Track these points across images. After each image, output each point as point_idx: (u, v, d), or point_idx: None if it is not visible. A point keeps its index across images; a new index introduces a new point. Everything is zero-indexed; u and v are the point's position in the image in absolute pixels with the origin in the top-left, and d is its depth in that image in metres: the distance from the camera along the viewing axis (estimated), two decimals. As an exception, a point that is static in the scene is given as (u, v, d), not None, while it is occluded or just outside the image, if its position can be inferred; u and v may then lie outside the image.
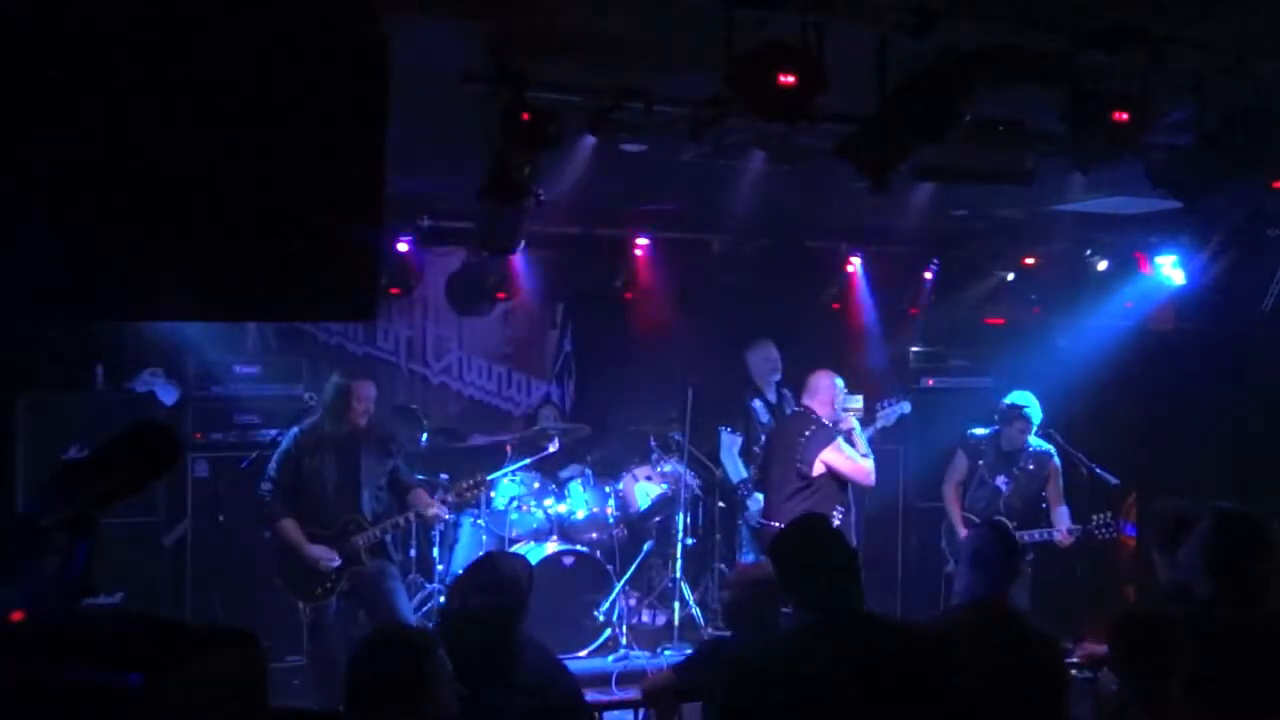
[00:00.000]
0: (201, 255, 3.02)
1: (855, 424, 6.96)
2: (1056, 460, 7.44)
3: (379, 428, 6.65)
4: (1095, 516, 7.19)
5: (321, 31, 3.13)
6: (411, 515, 6.60)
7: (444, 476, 7.36)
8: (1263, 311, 7.12)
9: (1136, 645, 3.36)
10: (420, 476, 7.37)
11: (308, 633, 6.48)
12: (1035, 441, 7.44)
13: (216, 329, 7.60)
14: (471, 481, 6.95)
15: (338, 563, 6.30)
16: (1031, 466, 7.39)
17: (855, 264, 9.35)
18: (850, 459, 6.78)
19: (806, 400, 6.99)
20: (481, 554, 5.93)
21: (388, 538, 6.54)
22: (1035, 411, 7.36)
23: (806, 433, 6.82)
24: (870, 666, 3.08)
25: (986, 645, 3.88)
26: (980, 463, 7.49)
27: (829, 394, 6.90)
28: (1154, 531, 4.51)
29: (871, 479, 6.87)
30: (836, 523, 6.53)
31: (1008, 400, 7.45)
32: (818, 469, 6.70)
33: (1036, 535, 7.20)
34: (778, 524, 6.68)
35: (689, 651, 5.17)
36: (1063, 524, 7.22)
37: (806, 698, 3.05)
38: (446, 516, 7.08)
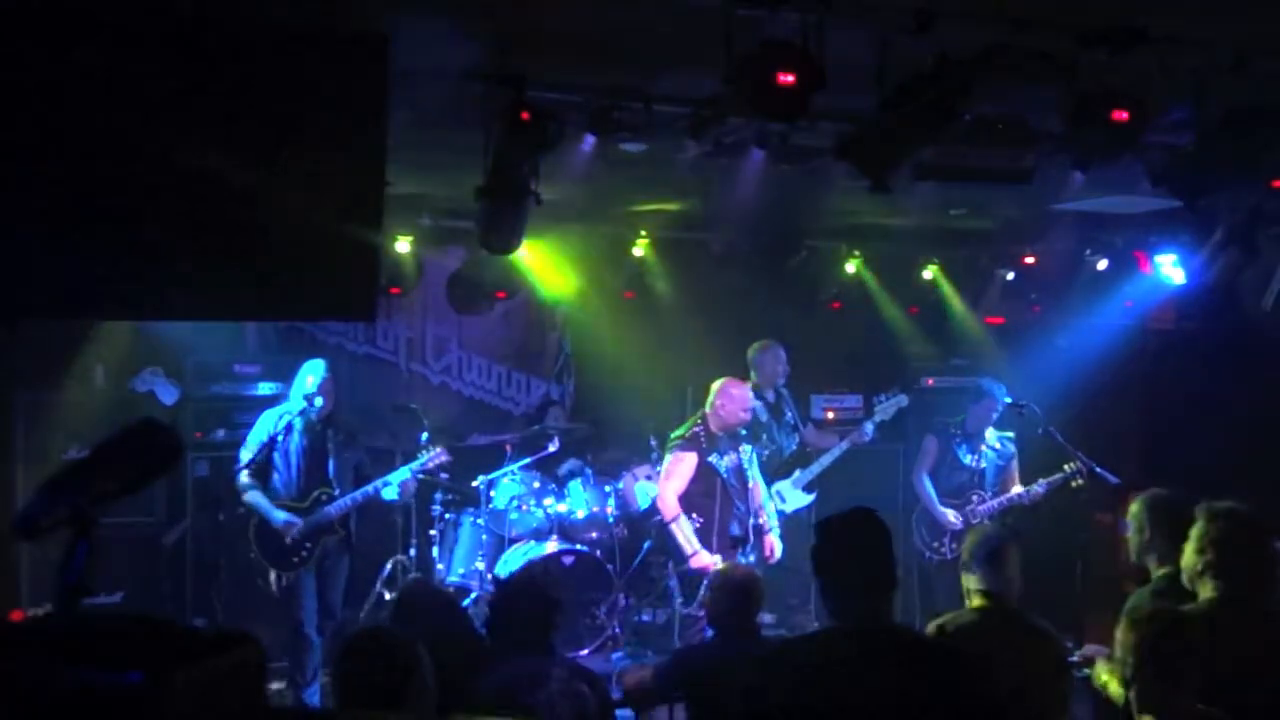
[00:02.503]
0: (202, 255, 3.02)
1: (748, 456, 6.94)
2: (1012, 445, 7.80)
3: (346, 420, 6.87)
4: (1066, 466, 7.38)
5: (322, 32, 3.13)
6: (379, 484, 6.72)
7: (444, 475, 7.37)
8: (1262, 310, 7.13)
9: (1147, 641, 3.35)
10: (420, 475, 7.39)
11: (282, 602, 6.55)
12: (994, 433, 7.76)
13: (217, 328, 7.61)
14: (432, 452, 7.01)
15: (299, 524, 6.49)
16: (997, 446, 7.74)
17: (855, 264, 9.35)
18: (666, 476, 6.76)
19: (706, 408, 6.88)
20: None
21: (351, 521, 6.72)
22: (1002, 394, 7.65)
23: (679, 436, 6.89)
24: (893, 679, 3.05)
25: (995, 643, 3.90)
26: (950, 444, 7.74)
27: (728, 405, 6.79)
28: (1151, 516, 4.47)
29: (660, 504, 6.76)
30: (695, 526, 6.65)
31: (979, 381, 7.84)
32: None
33: (1015, 497, 7.58)
34: (657, 518, 7.00)
35: (667, 656, 5.21)
36: (1023, 488, 7.60)
37: (824, 704, 3.04)
38: (411, 491, 7.09)
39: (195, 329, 7.49)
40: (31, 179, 2.85)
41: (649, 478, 8.23)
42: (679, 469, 6.72)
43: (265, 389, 7.70)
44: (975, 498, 7.58)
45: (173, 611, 7.02)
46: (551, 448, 8.08)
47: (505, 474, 7.92)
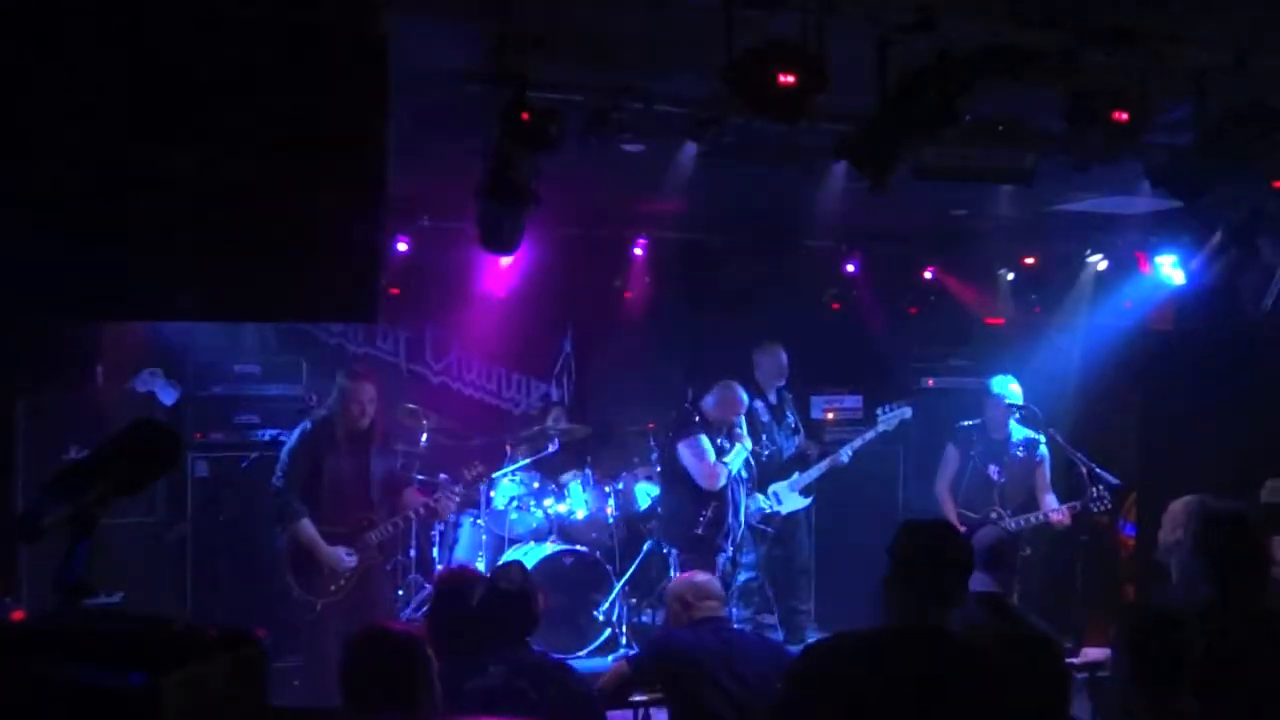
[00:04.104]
0: (203, 256, 3.01)
1: (740, 450, 7.24)
2: (1044, 449, 7.57)
3: (383, 427, 6.70)
4: (1091, 490, 7.27)
5: (322, 31, 3.13)
6: (421, 509, 6.65)
7: (443, 476, 7.37)
8: (1262, 311, 7.12)
9: (1141, 643, 3.35)
10: (420, 477, 7.38)
11: (311, 628, 6.47)
12: (1020, 430, 7.56)
13: (217, 329, 7.60)
14: (477, 471, 7.04)
15: (354, 563, 6.35)
16: (1021, 454, 7.53)
17: (854, 264, 9.35)
18: (698, 457, 7.05)
19: (704, 402, 7.26)
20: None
21: (399, 533, 6.65)
22: (1013, 394, 7.51)
23: (676, 427, 7.27)
24: (925, 684, 3.06)
25: (992, 643, 3.89)
26: (972, 453, 7.59)
27: (726, 401, 7.18)
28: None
29: (709, 482, 7.07)
30: (708, 514, 7.04)
31: (988, 385, 7.64)
32: (680, 456, 7.14)
33: (1033, 519, 7.35)
34: (661, 511, 7.48)
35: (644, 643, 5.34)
36: (1053, 505, 7.38)
37: (861, 700, 3.06)
38: (453, 509, 7.12)
39: (195, 329, 7.47)
40: (28, 179, 2.84)
41: (649, 478, 8.24)
42: (702, 448, 7.06)
43: (265, 389, 7.68)
44: (994, 515, 7.39)
45: (173, 611, 7.00)
46: (551, 448, 8.08)
47: (505, 474, 7.92)
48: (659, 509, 7.50)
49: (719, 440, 7.16)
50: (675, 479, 7.26)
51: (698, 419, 7.13)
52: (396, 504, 6.64)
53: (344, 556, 6.32)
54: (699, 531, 7.03)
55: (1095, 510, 7.32)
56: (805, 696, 3.18)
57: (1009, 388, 7.54)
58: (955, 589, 3.24)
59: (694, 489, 7.11)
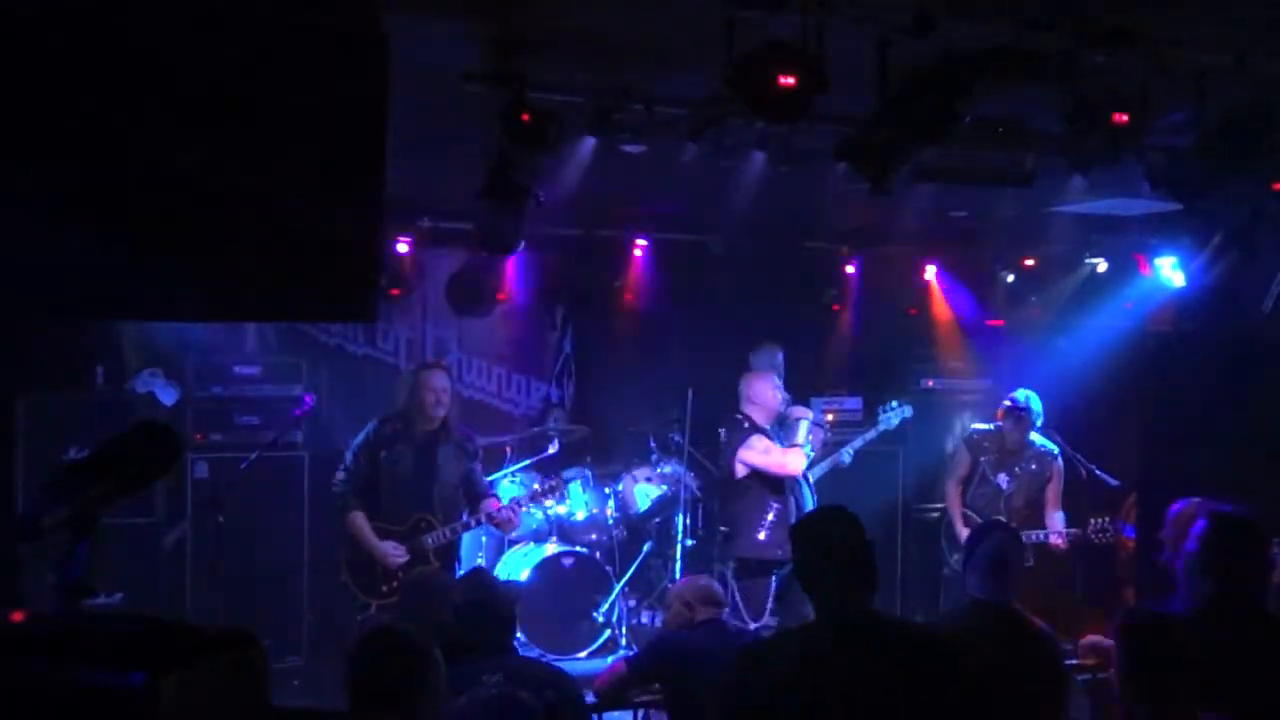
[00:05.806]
0: (202, 256, 3.01)
1: (803, 424, 6.86)
2: (1059, 462, 7.42)
3: (458, 428, 6.58)
4: (1093, 521, 7.16)
5: (321, 31, 3.13)
6: (483, 517, 6.49)
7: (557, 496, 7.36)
8: (1263, 312, 7.12)
9: (1141, 645, 3.35)
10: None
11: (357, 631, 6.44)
12: (1039, 440, 7.44)
13: (216, 329, 7.61)
14: (550, 484, 7.01)
15: (404, 559, 6.19)
16: (1034, 466, 7.37)
17: (854, 265, 9.36)
18: (765, 453, 6.67)
19: (743, 408, 6.90)
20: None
21: (459, 539, 6.51)
22: (1036, 409, 7.35)
23: (725, 436, 6.89)
24: (876, 666, 3.06)
25: (992, 644, 3.89)
26: (982, 460, 7.45)
27: (760, 396, 6.87)
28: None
29: (791, 469, 6.68)
30: (770, 518, 6.62)
31: (1009, 398, 7.45)
32: (740, 470, 6.73)
33: (1033, 536, 7.16)
34: (724, 528, 6.93)
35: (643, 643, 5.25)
36: (1057, 527, 7.22)
37: (807, 694, 3.05)
38: (519, 523, 6.98)
39: (195, 329, 7.48)
40: (29, 180, 2.84)
41: (648, 479, 8.24)
42: (766, 443, 6.70)
43: (265, 390, 7.68)
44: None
45: (173, 611, 7.01)
46: (551, 449, 8.08)
47: (505, 476, 7.92)
48: (722, 527, 7.00)
49: (776, 440, 6.77)
50: (738, 489, 6.80)
51: (748, 425, 6.76)
52: (474, 509, 6.52)
53: (392, 550, 6.17)
54: (761, 536, 6.62)
55: (1096, 541, 7.19)
56: (743, 705, 3.14)
57: (1033, 401, 7.36)
58: (873, 572, 3.23)
59: (760, 492, 6.69)
